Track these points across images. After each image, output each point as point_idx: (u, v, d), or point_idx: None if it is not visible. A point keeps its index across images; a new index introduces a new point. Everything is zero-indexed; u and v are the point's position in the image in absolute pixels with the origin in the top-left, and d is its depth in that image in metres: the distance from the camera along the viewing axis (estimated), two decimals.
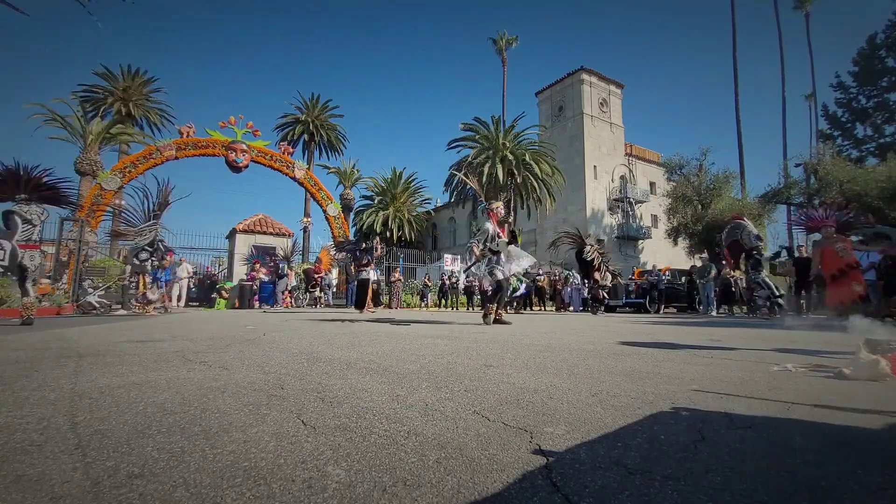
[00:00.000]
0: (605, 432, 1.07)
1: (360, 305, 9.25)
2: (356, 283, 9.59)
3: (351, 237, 18.94)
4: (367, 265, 9.40)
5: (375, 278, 10.18)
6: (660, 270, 15.49)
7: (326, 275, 15.05)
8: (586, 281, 11.70)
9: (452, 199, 24.24)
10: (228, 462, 0.86)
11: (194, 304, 14.29)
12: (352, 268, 9.79)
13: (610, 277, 11.65)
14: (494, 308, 5.49)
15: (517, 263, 5.64)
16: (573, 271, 14.28)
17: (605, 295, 12.09)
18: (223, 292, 13.56)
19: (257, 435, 1.02)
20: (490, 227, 5.57)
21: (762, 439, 1.02)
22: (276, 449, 0.93)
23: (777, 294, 8.48)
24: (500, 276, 5.45)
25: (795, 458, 0.89)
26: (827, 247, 6.25)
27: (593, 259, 10.31)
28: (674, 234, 23.40)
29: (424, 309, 15.08)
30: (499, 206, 5.83)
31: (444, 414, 1.24)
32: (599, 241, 11.67)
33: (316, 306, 14.05)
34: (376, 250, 9.57)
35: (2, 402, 1.30)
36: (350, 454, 0.91)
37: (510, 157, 21.37)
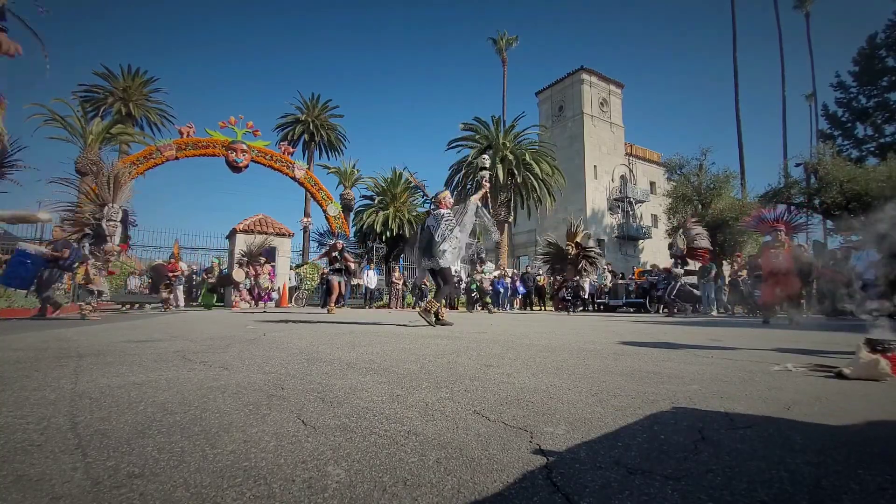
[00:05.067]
0: (606, 432, 1.07)
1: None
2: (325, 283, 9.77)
3: (351, 237, 18.90)
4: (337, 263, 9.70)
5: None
6: (660, 270, 15.47)
7: (182, 275, 13.04)
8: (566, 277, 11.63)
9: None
10: (229, 462, 0.86)
11: (194, 303, 14.29)
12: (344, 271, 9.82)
13: (590, 273, 11.60)
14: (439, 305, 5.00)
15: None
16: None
17: (581, 292, 12.08)
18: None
19: (257, 435, 1.02)
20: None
21: (762, 439, 1.02)
22: (277, 449, 0.93)
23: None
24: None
25: (795, 458, 0.89)
26: (767, 249, 6.75)
27: (570, 252, 10.41)
28: (674, 234, 23.39)
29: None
30: (446, 196, 5.22)
31: (444, 414, 1.24)
32: (587, 236, 11.60)
33: (164, 308, 11.57)
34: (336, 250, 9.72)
35: (2, 402, 1.30)
36: (350, 454, 0.91)
37: (510, 157, 21.36)
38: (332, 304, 9.42)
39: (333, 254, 9.71)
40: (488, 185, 5.35)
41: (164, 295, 11.72)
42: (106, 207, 6.63)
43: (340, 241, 9.87)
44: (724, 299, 12.77)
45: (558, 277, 11.74)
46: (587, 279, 12.02)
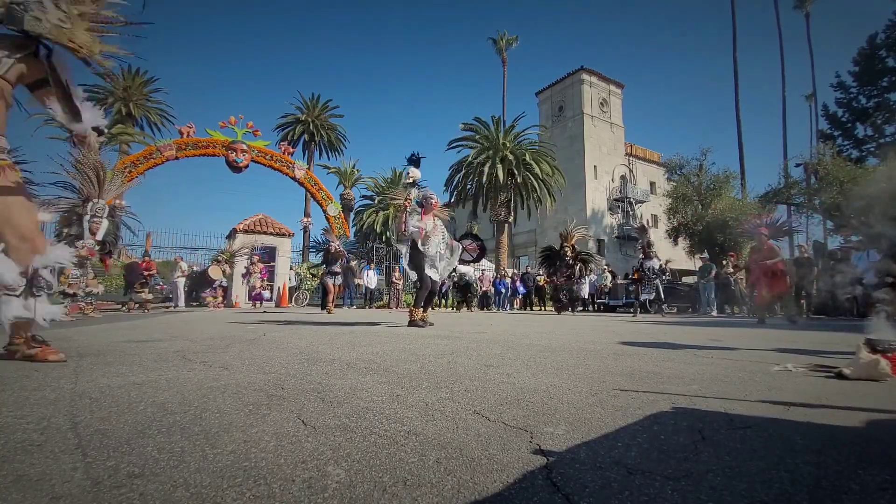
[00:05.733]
0: (605, 432, 1.07)
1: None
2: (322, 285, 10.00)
3: (351, 237, 18.91)
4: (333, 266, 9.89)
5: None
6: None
7: (158, 274, 12.21)
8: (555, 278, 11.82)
9: (452, 199, 24.25)
10: (228, 462, 0.86)
11: (195, 304, 14.28)
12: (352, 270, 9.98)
13: (580, 276, 11.78)
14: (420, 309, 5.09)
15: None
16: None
17: (573, 295, 12.24)
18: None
19: (257, 435, 1.02)
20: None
21: (762, 439, 1.02)
22: (277, 449, 0.93)
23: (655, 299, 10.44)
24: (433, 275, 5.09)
25: (795, 458, 0.89)
26: (753, 253, 7.41)
27: (567, 255, 10.61)
28: (674, 234, 23.42)
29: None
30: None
31: (444, 414, 1.24)
32: (584, 238, 11.93)
33: (143, 309, 10.15)
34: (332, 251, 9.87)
35: (2, 402, 1.30)
36: (350, 454, 0.91)
37: (510, 157, 21.36)
38: (331, 305, 9.46)
39: (328, 256, 9.81)
40: (406, 202, 5.07)
41: (143, 296, 10.56)
42: (90, 203, 6.24)
43: (334, 244, 9.92)
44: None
45: (555, 279, 11.86)
46: (584, 281, 12.14)
